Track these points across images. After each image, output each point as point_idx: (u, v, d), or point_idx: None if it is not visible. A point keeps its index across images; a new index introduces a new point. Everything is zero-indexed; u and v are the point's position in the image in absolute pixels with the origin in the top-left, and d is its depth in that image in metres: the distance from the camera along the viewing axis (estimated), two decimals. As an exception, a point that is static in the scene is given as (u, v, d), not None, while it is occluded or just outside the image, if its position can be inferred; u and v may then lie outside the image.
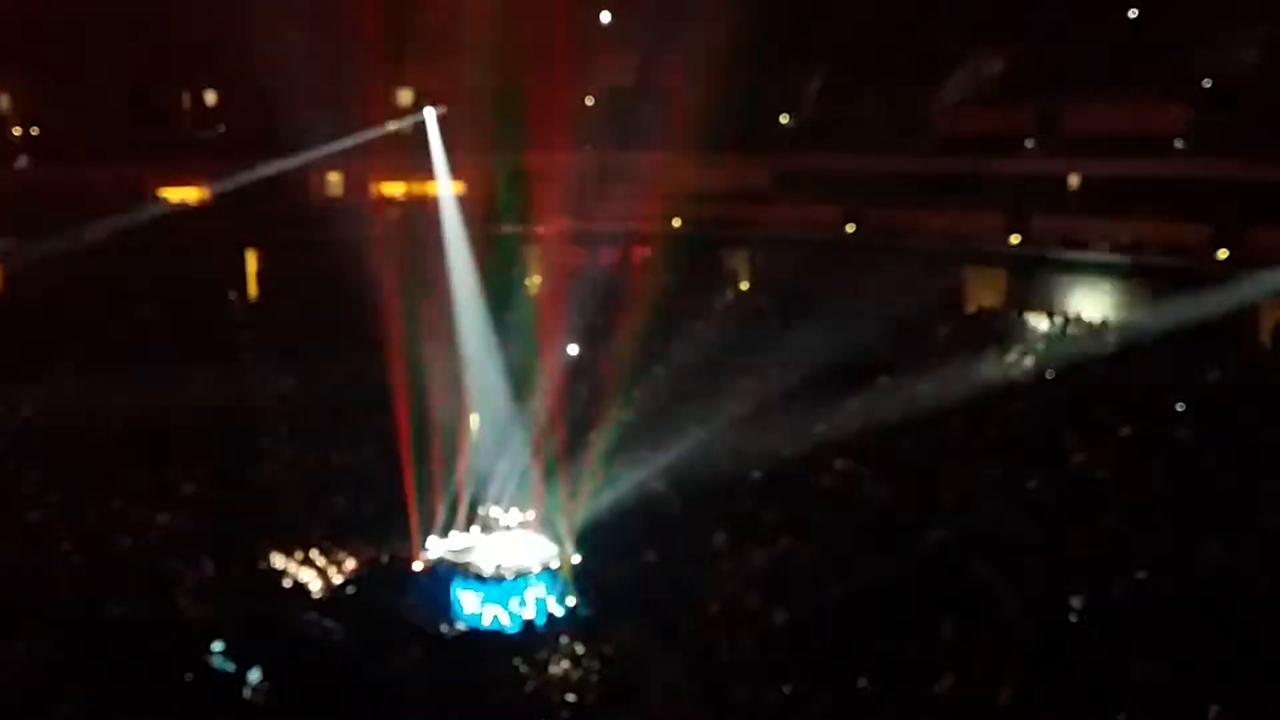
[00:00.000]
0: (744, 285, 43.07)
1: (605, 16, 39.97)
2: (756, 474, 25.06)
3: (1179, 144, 34.97)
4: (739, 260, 43.49)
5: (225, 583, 21.86)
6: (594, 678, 18.93)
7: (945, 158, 39.33)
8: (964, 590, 19.55)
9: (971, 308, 38.16)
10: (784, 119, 44.51)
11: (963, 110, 40.73)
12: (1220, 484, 21.91)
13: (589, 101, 41.61)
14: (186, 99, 46.72)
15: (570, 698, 18.32)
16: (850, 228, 40.16)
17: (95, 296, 38.24)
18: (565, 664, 19.21)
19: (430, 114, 32.24)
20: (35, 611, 19.99)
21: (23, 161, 44.33)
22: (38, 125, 45.02)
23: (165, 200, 42.44)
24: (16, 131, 44.99)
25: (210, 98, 46.64)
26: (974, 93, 41.00)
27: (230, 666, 18.68)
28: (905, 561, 20.77)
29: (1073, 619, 18.44)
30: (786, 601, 20.11)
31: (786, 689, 17.60)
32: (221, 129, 46.31)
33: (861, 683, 17.42)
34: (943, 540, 21.41)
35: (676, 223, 43.17)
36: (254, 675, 18.21)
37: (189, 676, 18.60)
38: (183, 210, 42.56)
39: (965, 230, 38.33)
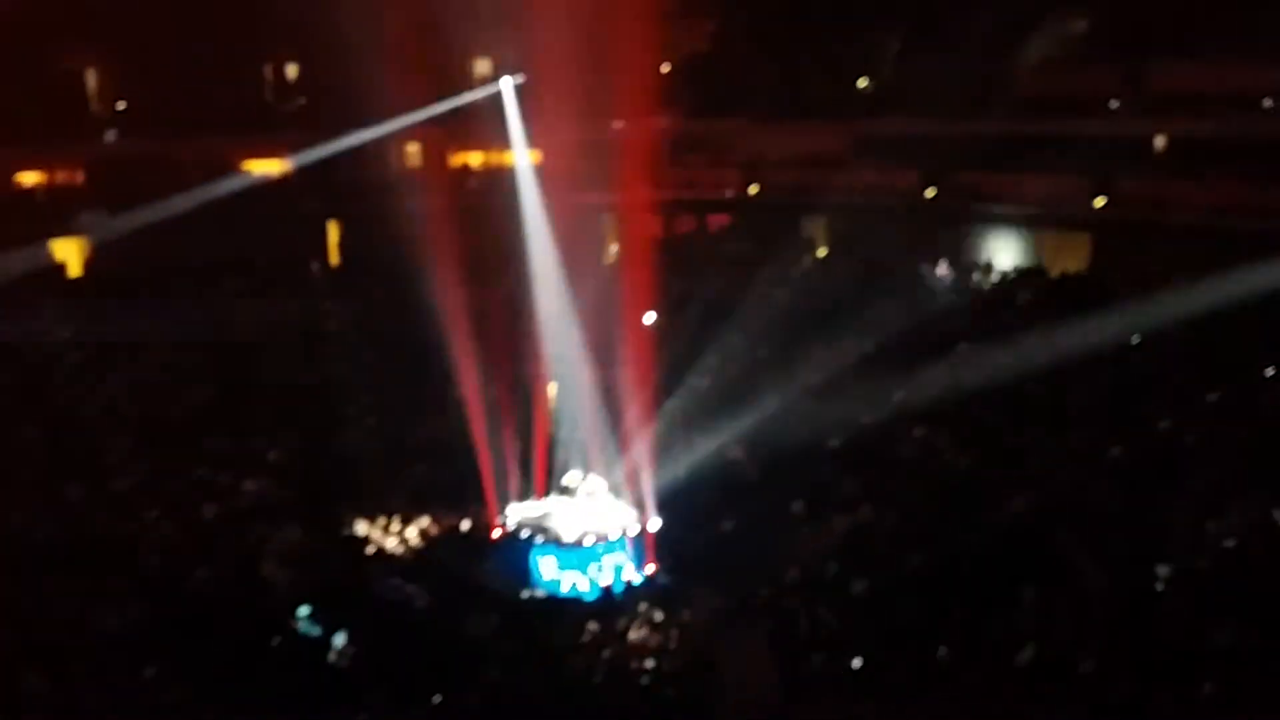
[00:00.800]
0: (821, 251, 42.80)
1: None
2: (834, 442, 24.96)
3: (1269, 104, 34.15)
4: (817, 227, 43.18)
5: (311, 549, 22.27)
6: (672, 645, 19.04)
7: (1027, 120, 38.71)
8: (1046, 559, 19.40)
9: (1054, 273, 37.61)
10: (862, 83, 44.05)
11: (1045, 71, 40.02)
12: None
13: (665, 69, 41.48)
14: (269, 72, 47.22)
15: (648, 664, 18.44)
16: (930, 192, 39.68)
17: (182, 269, 38.92)
18: (644, 631, 19.33)
19: (507, 83, 32.29)
20: (126, 576, 20.50)
21: (110, 136, 45.10)
22: (125, 100, 45.74)
23: (248, 173, 42.99)
24: (106, 106, 45.78)
25: (291, 71, 47.10)
26: (1057, 52, 40.27)
27: (316, 631, 19.02)
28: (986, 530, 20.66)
29: (1157, 587, 18.22)
30: (865, 570, 20.07)
31: (863, 659, 17.59)
32: (302, 101, 46.79)
33: (941, 652, 17.36)
34: (1025, 508, 21.25)
35: (753, 190, 42.95)
36: (339, 639, 18.54)
37: (276, 640, 18.98)
38: (265, 183, 43.06)
39: (1048, 194, 37.75)
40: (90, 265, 41.68)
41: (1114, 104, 37.80)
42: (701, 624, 19.75)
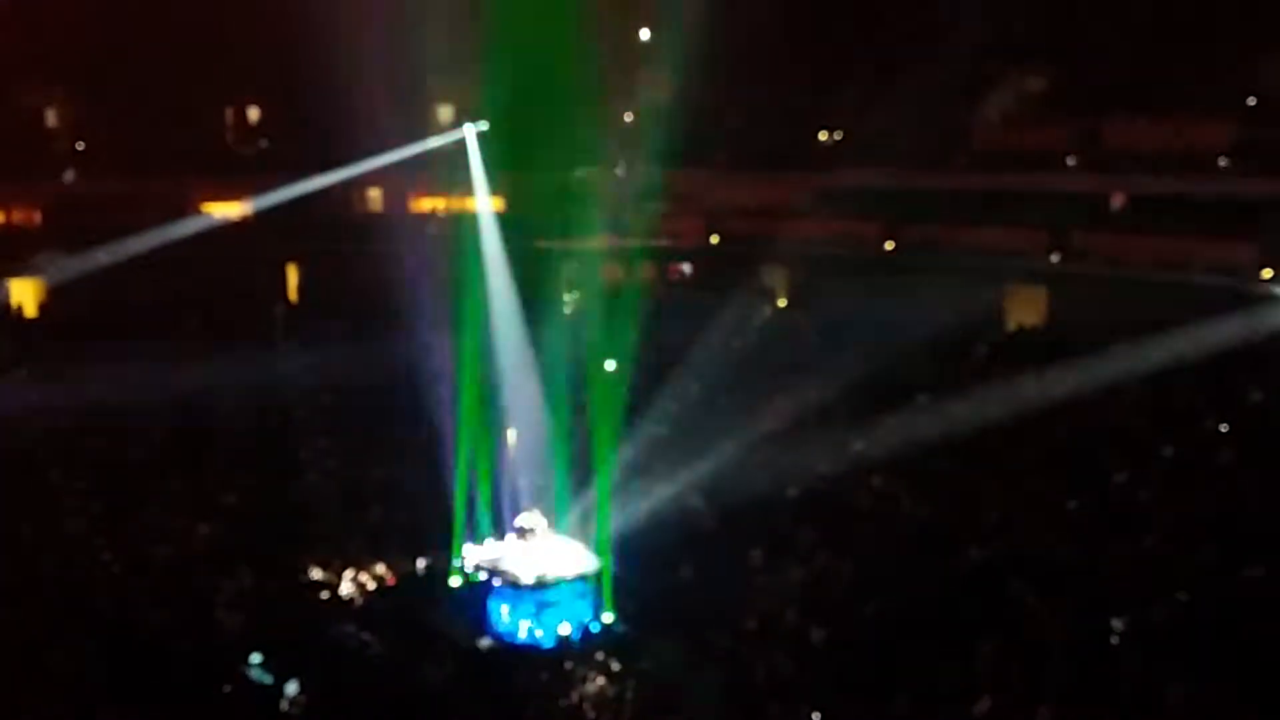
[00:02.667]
0: (781, 301, 43.01)
1: (645, 33, 40.08)
2: (793, 491, 24.96)
3: (1223, 162, 34.68)
4: (776, 276, 43.40)
5: (264, 594, 22.01)
6: (629, 695, 18.89)
7: (985, 174, 39.17)
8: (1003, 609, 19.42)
9: (1011, 326, 37.92)
10: (822, 135, 44.50)
11: (1004, 127, 40.56)
12: (1262, 505, 21.65)
13: (628, 118, 41.75)
14: (230, 115, 47.17)
15: (606, 715, 18.29)
16: (889, 244, 40.03)
17: (135, 309, 38.61)
18: (601, 680, 19.17)
19: (470, 130, 32.40)
20: (75, 621, 20.19)
21: (69, 176, 44.82)
22: (84, 140, 45.52)
23: (208, 214, 42.80)
24: (64, 146, 45.52)
25: (253, 114, 47.06)
26: (1015, 109, 40.82)
27: (268, 678, 18.77)
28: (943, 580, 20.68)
29: (1113, 640, 18.26)
30: (823, 620, 20.03)
31: (821, 709, 17.52)
32: (264, 144, 46.74)
33: (898, 702, 17.31)
34: (982, 558, 21.28)
35: (714, 239, 43.17)
36: (291, 687, 18.30)
37: (227, 688, 18.71)
38: (225, 225, 42.87)
39: (1006, 247, 38.13)
40: (46, 305, 41.27)
41: (1070, 160, 38.30)
42: (659, 673, 19.63)
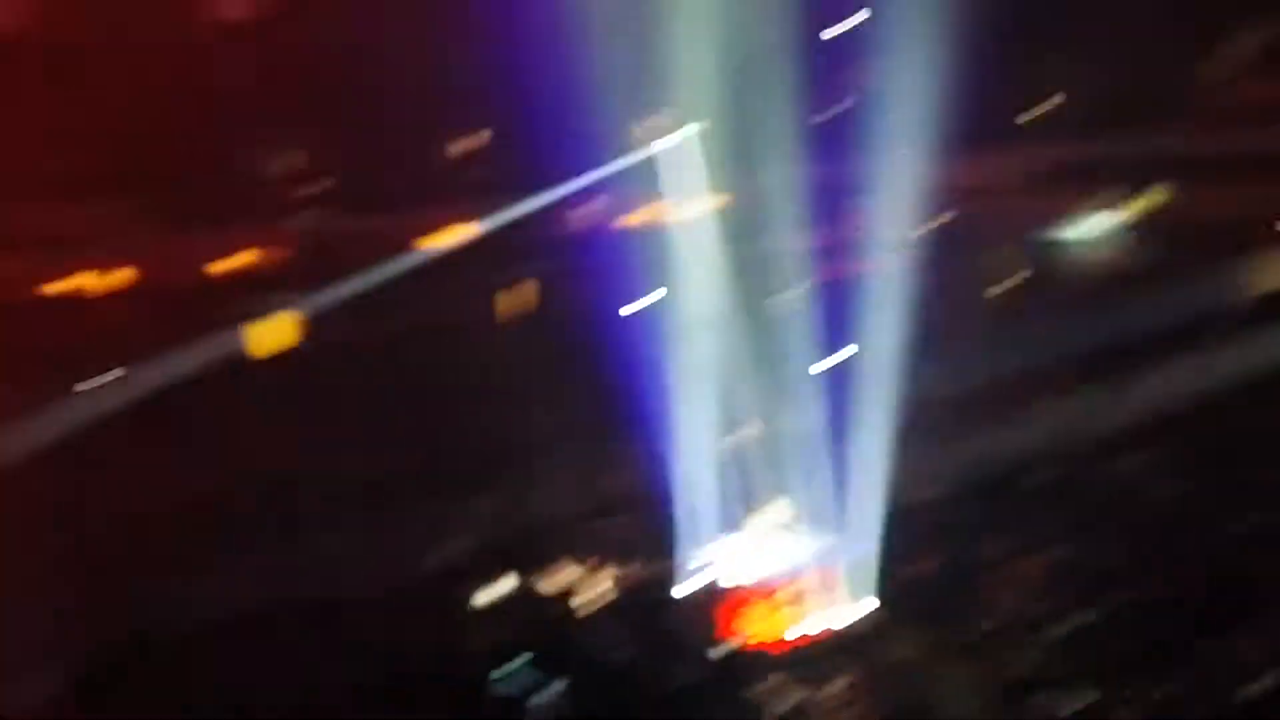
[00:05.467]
0: (1008, 282, 41.82)
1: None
2: (1042, 473, 24.23)
3: None
4: (1001, 256, 42.22)
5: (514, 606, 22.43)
6: (881, 687, 18.64)
7: (1222, 135, 37.27)
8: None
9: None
10: (1045, 105, 43.08)
11: (1241, 81, 38.49)
12: None
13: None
14: (453, 143, 48.34)
15: (857, 708, 18.10)
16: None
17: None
18: (851, 674, 18.94)
19: (689, 132, 32.46)
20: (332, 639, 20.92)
21: (308, 217, 46.60)
22: (318, 178, 47.28)
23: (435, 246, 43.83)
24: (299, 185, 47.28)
25: (475, 141, 48.16)
26: (1257, 61, 38.70)
27: (521, 688, 19.14)
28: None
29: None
30: (1082, 607, 19.45)
31: (1088, 698, 17.05)
32: (485, 169, 47.77)
33: (1169, 688, 16.67)
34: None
35: (931, 223, 42.27)
36: (544, 696, 18.63)
37: (481, 697, 19.15)
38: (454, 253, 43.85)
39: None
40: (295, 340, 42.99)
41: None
42: (911, 665, 19.34)
